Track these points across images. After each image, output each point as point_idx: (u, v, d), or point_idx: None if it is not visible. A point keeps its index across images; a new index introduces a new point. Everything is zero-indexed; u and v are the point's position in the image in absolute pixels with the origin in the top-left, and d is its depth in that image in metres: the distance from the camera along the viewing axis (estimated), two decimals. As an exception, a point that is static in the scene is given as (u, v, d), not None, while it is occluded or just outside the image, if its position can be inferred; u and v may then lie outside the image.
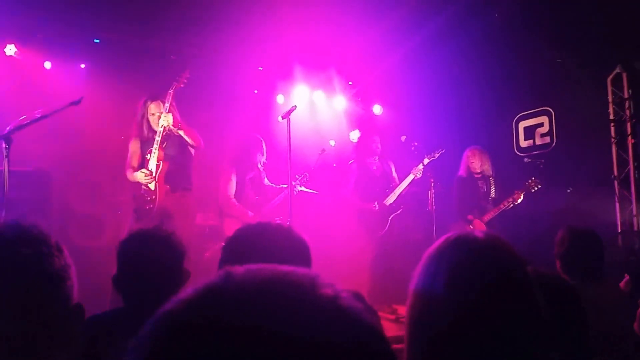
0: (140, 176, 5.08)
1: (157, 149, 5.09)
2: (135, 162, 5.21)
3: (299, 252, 1.66)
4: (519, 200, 6.19)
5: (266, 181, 6.19)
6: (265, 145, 6.18)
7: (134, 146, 5.25)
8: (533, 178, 6.19)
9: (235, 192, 5.98)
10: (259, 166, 6.11)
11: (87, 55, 6.71)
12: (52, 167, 6.07)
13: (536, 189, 6.15)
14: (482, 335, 1.09)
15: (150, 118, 5.17)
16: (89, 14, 6.09)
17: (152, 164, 5.09)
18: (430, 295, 1.15)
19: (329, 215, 6.85)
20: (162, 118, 5.06)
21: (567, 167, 6.68)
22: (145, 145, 5.19)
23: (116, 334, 1.82)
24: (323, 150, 6.58)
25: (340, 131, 8.28)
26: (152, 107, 5.18)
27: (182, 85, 5.24)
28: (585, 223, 5.65)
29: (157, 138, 5.08)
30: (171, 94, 5.14)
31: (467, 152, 6.56)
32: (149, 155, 5.12)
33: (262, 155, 6.14)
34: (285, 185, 6.01)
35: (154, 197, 5.08)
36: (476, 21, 6.76)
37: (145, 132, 5.19)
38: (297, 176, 6.05)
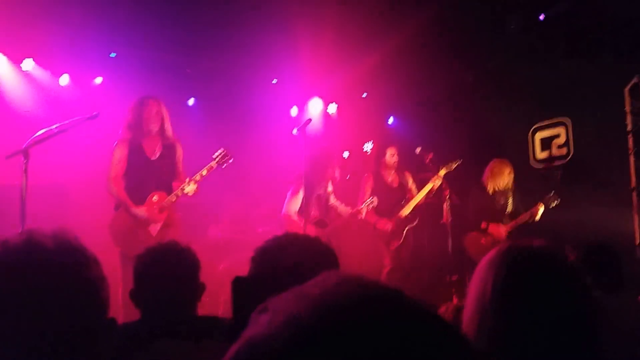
0: (141, 213, 4.83)
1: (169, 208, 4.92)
2: (119, 170, 4.88)
3: (329, 262, 1.64)
4: (538, 215, 6.07)
5: (332, 199, 6.11)
6: (341, 162, 6.18)
7: (121, 153, 4.91)
8: (553, 192, 6.09)
9: (300, 207, 5.81)
10: (329, 185, 6.01)
11: (103, 70, 6.75)
12: (69, 181, 6.11)
13: (555, 204, 6.05)
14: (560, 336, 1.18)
15: (147, 116, 4.92)
16: (105, 28, 6.13)
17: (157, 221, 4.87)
18: (501, 300, 1.22)
19: (344, 227, 6.81)
20: (190, 187, 4.82)
21: (584, 179, 6.60)
22: (133, 153, 4.90)
23: (133, 347, 1.82)
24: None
25: (355, 143, 8.26)
26: (151, 104, 4.96)
27: (221, 167, 5.03)
28: (602, 235, 5.61)
29: (172, 199, 4.86)
30: (207, 171, 4.93)
31: (496, 163, 6.42)
32: (157, 198, 4.87)
33: (336, 171, 6.04)
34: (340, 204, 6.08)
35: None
36: (491, 32, 6.75)
37: (143, 130, 4.91)
38: (368, 199, 6.05)
